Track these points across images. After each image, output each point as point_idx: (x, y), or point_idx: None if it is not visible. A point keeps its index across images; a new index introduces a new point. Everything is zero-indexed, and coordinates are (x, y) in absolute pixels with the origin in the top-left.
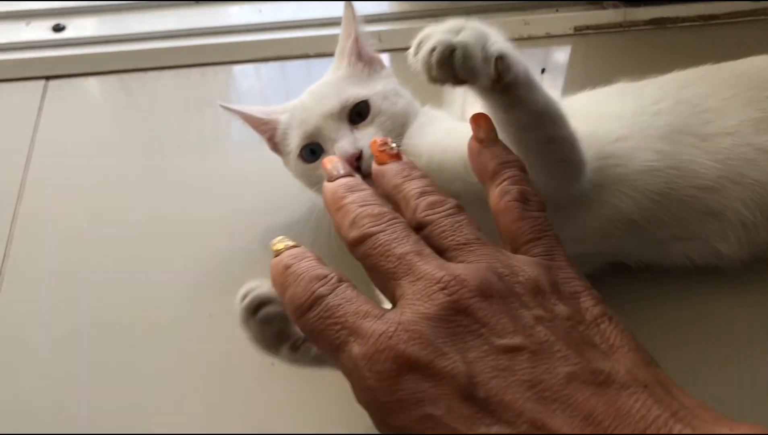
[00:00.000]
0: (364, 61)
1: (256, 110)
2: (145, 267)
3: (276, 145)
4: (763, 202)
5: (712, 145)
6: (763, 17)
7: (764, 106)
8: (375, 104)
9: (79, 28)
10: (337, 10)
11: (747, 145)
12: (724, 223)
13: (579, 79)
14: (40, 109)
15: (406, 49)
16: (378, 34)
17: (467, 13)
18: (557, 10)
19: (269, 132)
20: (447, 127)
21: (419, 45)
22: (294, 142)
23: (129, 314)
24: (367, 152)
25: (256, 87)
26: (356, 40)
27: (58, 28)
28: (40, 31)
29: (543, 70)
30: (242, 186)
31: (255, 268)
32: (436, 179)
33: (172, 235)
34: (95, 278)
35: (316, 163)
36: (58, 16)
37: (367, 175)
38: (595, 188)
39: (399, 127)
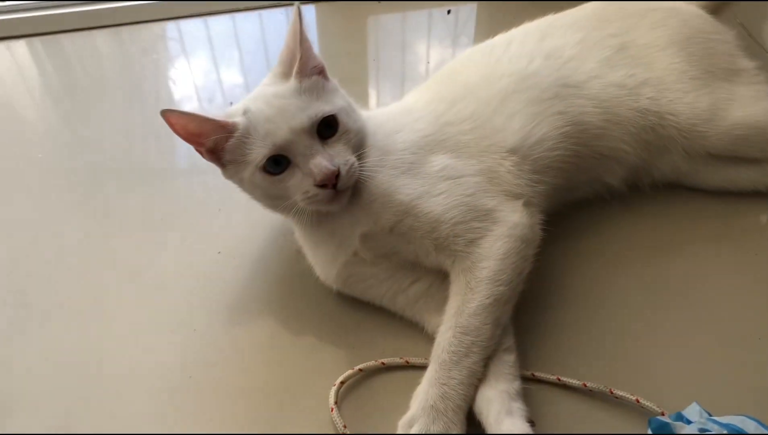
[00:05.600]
0: (311, 74)
1: (202, 113)
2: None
3: (219, 153)
4: (633, 134)
5: (587, 91)
6: None
7: (609, 44)
8: (342, 120)
9: None
10: None
11: (610, 85)
12: (613, 161)
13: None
14: None
15: None
16: None
17: None
18: None
19: (219, 137)
20: (405, 155)
21: None
22: (257, 153)
23: None
24: (344, 170)
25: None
26: (302, 58)
27: None
28: None
29: (449, 12)
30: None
31: None
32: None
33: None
34: None
35: (282, 175)
36: None
37: (342, 191)
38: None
39: (360, 142)
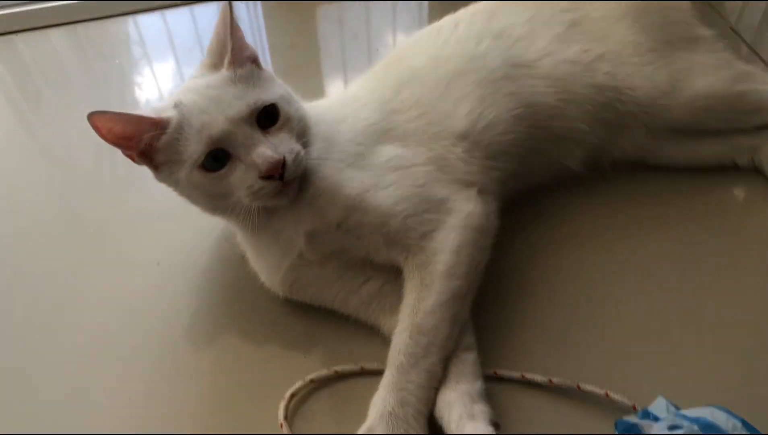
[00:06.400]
0: (244, 63)
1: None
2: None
3: (151, 154)
4: (590, 112)
5: (540, 70)
6: None
7: (561, 20)
8: (283, 109)
9: None
10: None
11: (563, 62)
12: (570, 143)
13: None
14: None
15: None
16: None
17: None
18: None
19: (151, 136)
20: (350, 146)
21: None
22: (194, 149)
23: None
24: (289, 158)
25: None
26: (234, 47)
27: None
28: None
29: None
30: None
31: None
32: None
33: None
34: None
35: (222, 171)
36: None
37: (289, 183)
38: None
39: (302, 133)
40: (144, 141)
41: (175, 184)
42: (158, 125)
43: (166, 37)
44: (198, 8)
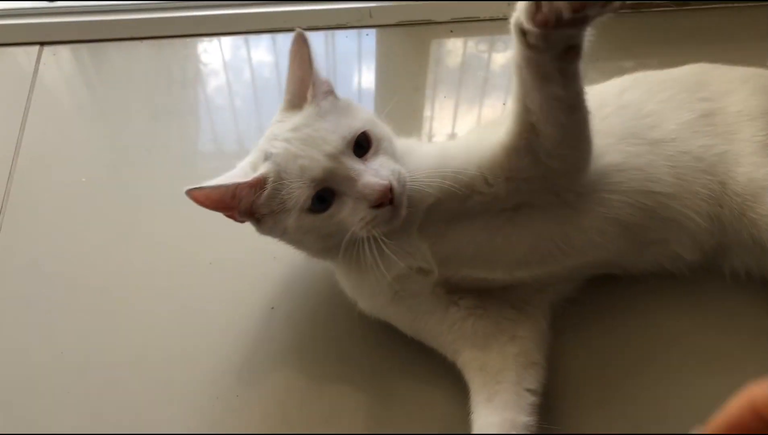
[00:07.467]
0: (325, 97)
1: (225, 179)
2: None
3: (252, 209)
4: (706, 211)
5: (661, 150)
6: (735, 4)
7: (695, 107)
8: (374, 133)
9: None
10: None
11: (687, 153)
12: (682, 230)
13: None
14: (35, 72)
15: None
16: (369, 11)
17: None
18: None
19: (249, 196)
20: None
21: None
22: (299, 195)
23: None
24: (394, 181)
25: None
26: (315, 83)
27: None
28: None
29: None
30: None
31: None
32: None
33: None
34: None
35: (331, 210)
36: None
37: (399, 206)
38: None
39: (393, 152)
40: (244, 202)
41: (281, 233)
42: (256, 186)
43: (246, 61)
44: (280, 37)
